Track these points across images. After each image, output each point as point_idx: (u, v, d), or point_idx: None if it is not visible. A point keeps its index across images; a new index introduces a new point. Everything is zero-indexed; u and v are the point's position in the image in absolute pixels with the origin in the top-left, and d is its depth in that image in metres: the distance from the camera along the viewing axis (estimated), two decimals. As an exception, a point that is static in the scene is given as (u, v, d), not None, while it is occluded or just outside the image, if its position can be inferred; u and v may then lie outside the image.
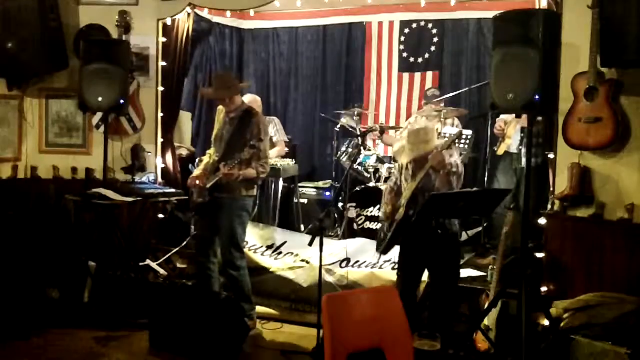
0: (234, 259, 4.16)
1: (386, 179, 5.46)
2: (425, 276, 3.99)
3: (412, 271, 3.83)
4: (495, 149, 5.19)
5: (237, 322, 3.91)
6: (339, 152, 5.96)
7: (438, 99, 5.80)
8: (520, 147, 4.87)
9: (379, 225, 4.09)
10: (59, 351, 3.86)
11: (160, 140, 5.52)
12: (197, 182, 4.15)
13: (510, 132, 4.98)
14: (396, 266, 4.41)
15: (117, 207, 4.70)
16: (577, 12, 3.81)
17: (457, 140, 3.67)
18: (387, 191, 3.95)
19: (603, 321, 3.44)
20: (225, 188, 4.10)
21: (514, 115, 4.94)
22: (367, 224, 5.34)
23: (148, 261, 4.89)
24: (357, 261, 4.62)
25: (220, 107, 4.31)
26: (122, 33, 5.29)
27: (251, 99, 5.85)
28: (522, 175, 4.88)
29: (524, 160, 4.83)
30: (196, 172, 4.34)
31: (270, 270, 4.72)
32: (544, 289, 3.96)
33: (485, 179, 5.48)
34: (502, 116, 5.20)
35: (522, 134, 4.82)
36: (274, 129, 6.01)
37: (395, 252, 4.39)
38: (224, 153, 4.14)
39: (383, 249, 3.81)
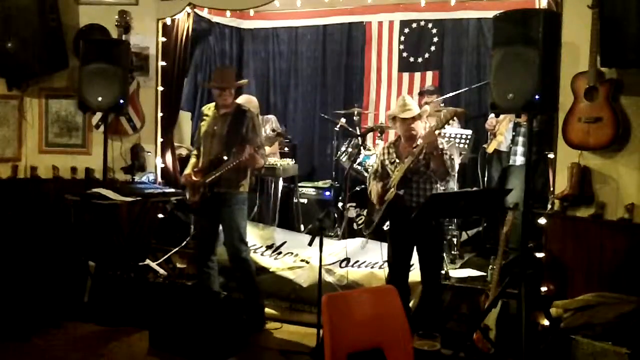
0: (240, 252, 4.21)
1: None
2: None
3: (401, 255, 3.87)
4: (486, 147, 5.12)
5: (237, 322, 3.92)
6: (339, 152, 5.95)
7: (437, 99, 5.79)
8: (511, 146, 4.84)
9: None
10: (59, 351, 3.86)
11: (160, 140, 5.52)
12: (194, 178, 4.14)
13: (503, 130, 4.95)
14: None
15: (117, 207, 4.70)
16: (577, 12, 3.81)
17: (452, 127, 3.74)
18: (371, 178, 4.02)
19: (603, 321, 3.44)
20: (225, 183, 4.12)
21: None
22: (367, 224, 5.34)
23: (148, 261, 4.89)
24: (357, 261, 4.63)
25: (207, 105, 4.39)
26: (122, 33, 5.29)
27: (247, 100, 5.86)
28: (510, 173, 4.86)
29: (513, 158, 4.83)
30: (187, 170, 4.31)
31: (270, 270, 4.73)
32: (544, 289, 3.96)
33: (483, 178, 5.45)
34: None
35: (513, 133, 4.80)
36: (271, 126, 6.01)
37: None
38: (220, 148, 4.13)
39: (374, 229, 3.91)
